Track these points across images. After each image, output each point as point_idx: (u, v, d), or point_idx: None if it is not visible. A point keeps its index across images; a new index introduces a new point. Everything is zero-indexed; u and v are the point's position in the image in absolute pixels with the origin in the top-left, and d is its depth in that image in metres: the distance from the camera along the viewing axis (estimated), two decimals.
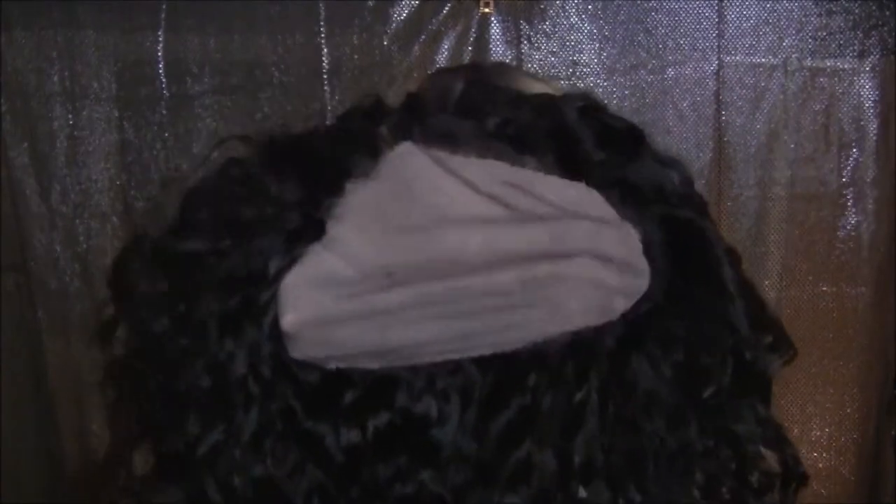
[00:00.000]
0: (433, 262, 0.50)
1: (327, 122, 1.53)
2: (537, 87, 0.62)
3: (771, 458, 0.59)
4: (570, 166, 0.54)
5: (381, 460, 0.51)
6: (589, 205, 0.53)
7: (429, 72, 1.48)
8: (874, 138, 1.57)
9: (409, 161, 0.52)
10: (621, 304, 0.52)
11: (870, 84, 1.55)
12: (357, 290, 0.50)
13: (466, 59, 1.52)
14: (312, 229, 0.51)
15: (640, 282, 0.53)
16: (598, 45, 1.53)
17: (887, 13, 1.51)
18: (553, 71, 1.53)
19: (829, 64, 1.55)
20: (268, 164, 0.53)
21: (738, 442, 0.57)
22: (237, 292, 0.51)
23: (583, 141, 0.55)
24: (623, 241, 0.53)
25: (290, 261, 0.51)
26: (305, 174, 0.52)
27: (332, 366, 0.51)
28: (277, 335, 0.51)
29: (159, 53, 1.49)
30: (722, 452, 0.56)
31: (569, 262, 0.51)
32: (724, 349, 0.54)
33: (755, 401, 0.57)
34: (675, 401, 0.53)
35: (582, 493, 0.53)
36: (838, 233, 1.60)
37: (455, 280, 0.50)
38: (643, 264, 0.53)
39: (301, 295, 0.50)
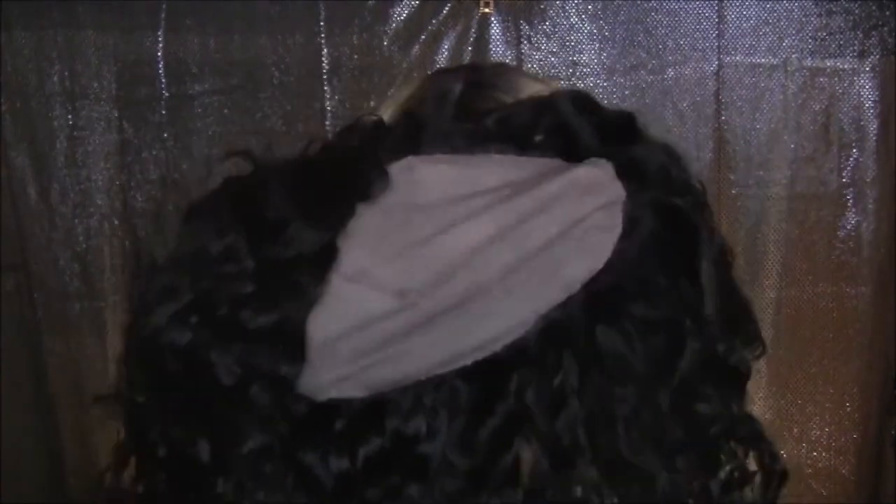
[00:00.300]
0: (441, 269, 0.50)
1: (327, 122, 1.53)
2: (537, 87, 0.62)
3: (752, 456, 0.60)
4: (572, 160, 0.54)
5: (371, 485, 0.51)
6: (592, 185, 0.53)
7: (428, 72, 1.48)
8: (874, 138, 1.57)
9: (411, 170, 0.52)
10: (583, 274, 0.52)
11: (870, 84, 1.55)
12: (367, 319, 0.50)
13: (466, 59, 1.52)
14: (330, 259, 0.50)
15: (604, 247, 0.53)
16: (598, 45, 1.53)
17: (887, 13, 1.52)
18: (553, 71, 1.53)
19: (829, 64, 1.55)
20: (280, 200, 0.52)
21: (707, 432, 0.57)
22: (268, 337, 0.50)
23: (582, 133, 0.56)
24: (605, 206, 0.53)
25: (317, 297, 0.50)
26: (317, 207, 0.51)
27: (322, 397, 0.51)
28: (291, 367, 0.50)
29: (159, 53, 1.49)
30: (694, 442, 0.56)
31: (555, 250, 0.51)
32: (693, 339, 0.54)
33: (728, 395, 0.57)
34: (647, 375, 0.53)
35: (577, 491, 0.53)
36: (838, 232, 1.60)
37: (453, 286, 0.50)
38: (614, 225, 0.53)
39: (312, 332, 0.50)
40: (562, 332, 0.52)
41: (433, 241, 0.50)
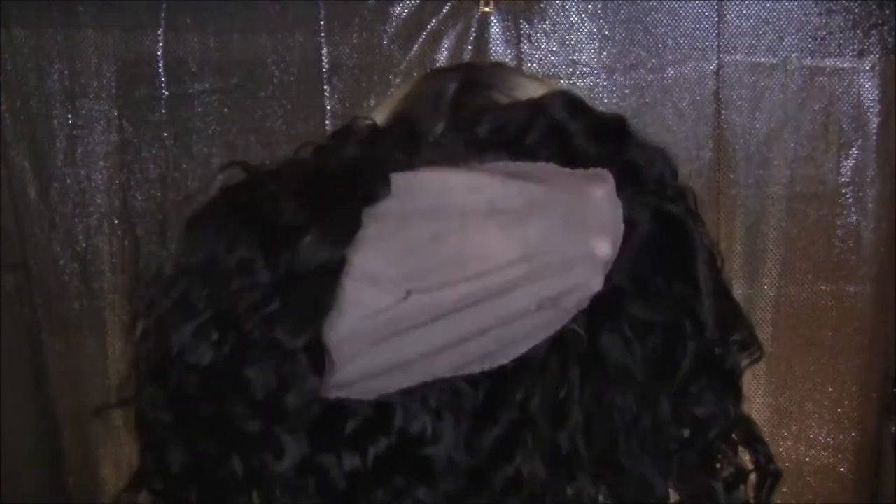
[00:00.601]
0: (447, 267, 0.50)
1: (327, 122, 1.53)
2: (533, 87, 0.63)
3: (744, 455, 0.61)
4: (566, 163, 0.55)
5: (379, 486, 0.51)
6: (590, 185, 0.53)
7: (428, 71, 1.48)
8: (874, 137, 1.57)
9: (414, 178, 0.53)
10: (596, 283, 0.52)
11: (869, 83, 1.55)
12: (374, 316, 0.50)
13: (466, 58, 1.52)
14: (342, 267, 0.50)
15: (611, 253, 0.53)
16: (597, 44, 1.53)
17: (887, 12, 1.52)
18: (553, 70, 1.53)
19: (828, 63, 1.55)
20: (290, 210, 0.52)
21: (707, 434, 0.57)
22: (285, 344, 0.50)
23: (574, 136, 0.56)
24: (612, 217, 0.53)
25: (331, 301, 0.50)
26: (328, 217, 0.51)
27: (335, 396, 0.51)
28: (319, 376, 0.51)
29: (159, 53, 1.49)
30: (693, 443, 0.57)
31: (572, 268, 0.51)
32: (692, 341, 0.55)
33: (725, 397, 0.58)
34: (647, 380, 0.54)
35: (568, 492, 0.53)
36: (837, 231, 1.61)
37: (466, 285, 0.50)
38: (617, 233, 0.53)
39: (327, 335, 0.50)
40: (567, 340, 0.52)
41: (439, 245, 0.50)
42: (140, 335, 0.54)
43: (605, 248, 0.52)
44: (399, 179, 0.52)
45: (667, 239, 0.55)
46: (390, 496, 0.51)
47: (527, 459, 0.52)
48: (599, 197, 0.53)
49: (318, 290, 0.50)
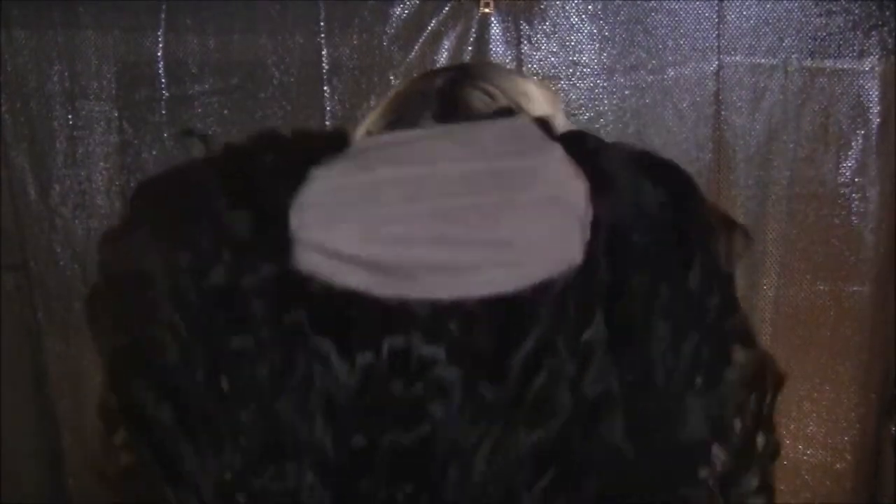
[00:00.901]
0: (406, 160, 0.53)
1: (327, 122, 1.53)
2: (526, 86, 0.64)
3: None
4: None
5: (396, 376, 0.53)
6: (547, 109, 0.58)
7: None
8: (874, 138, 1.57)
9: (370, 137, 0.57)
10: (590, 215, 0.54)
11: (869, 84, 1.56)
12: (351, 199, 0.53)
13: (466, 59, 1.52)
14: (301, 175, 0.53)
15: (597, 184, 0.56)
16: (598, 45, 1.54)
17: (887, 13, 1.52)
18: (553, 71, 1.53)
19: (828, 64, 1.56)
20: (249, 149, 0.55)
21: (722, 328, 0.59)
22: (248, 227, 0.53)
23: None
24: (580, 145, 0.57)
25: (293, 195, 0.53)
26: (286, 151, 0.55)
27: (339, 283, 0.52)
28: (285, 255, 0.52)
29: (159, 53, 1.49)
30: (708, 337, 0.58)
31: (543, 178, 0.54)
32: (700, 249, 0.57)
33: (728, 290, 0.60)
34: (676, 308, 0.55)
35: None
36: (837, 232, 1.61)
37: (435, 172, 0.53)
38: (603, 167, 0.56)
39: (304, 211, 0.53)
40: (583, 277, 0.53)
41: (394, 152, 0.54)
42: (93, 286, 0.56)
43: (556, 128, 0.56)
44: (358, 141, 0.57)
45: (649, 177, 0.57)
46: (406, 411, 0.52)
47: (553, 383, 0.53)
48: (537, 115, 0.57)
49: (280, 192, 0.53)
